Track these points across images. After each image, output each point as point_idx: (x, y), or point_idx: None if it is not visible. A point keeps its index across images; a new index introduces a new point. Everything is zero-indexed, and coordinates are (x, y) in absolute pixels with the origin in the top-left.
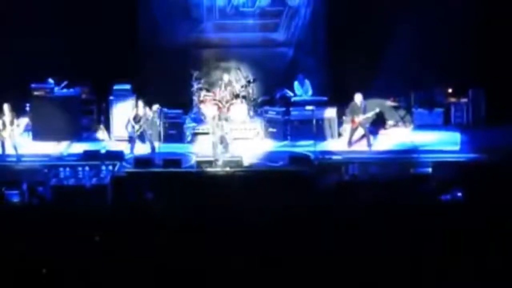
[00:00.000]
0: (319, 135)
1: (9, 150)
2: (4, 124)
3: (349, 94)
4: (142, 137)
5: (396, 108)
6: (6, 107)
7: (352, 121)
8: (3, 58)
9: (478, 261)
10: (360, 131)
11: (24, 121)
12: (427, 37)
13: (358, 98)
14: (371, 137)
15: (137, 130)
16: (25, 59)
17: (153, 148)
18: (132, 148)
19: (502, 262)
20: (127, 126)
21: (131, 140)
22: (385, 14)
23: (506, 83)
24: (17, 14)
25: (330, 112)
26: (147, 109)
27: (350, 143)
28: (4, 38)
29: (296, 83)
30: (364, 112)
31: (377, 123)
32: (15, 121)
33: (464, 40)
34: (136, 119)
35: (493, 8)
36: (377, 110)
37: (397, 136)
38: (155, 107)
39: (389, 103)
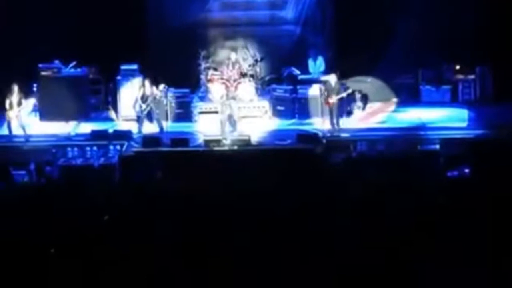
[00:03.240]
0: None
1: (16, 131)
2: (11, 105)
3: (357, 71)
4: (149, 117)
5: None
6: (14, 87)
7: (326, 101)
8: (10, 39)
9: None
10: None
11: (32, 101)
12: (434, 14)
13: (332, 78)
14: (340, 119)
15: (145, 110)
16: (33, 40)
17: (161, 128)
18: (140, 128)
19: (509, 239)
20: (134, 105)
21: (139, 119)
22: None
23: None
24: None
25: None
26: (154, 88)
27: (332, 124)
28: (12, 19)
29: (310, 60)
30: (339, 92)
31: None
32: (23, 102)
33: (471, 17)
34: (144, 98)
35: None
36: (350, 90)
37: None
38: (161, 86)
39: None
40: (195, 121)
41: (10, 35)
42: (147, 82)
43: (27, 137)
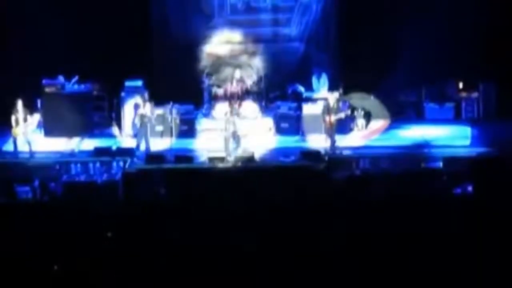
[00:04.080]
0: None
1: (21, 147)
2: (17, 121)
3: (360, 88)
4: (141, 134)
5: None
6: (19, 104)
7: (325, 120)
8: (15, 55)
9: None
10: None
11: (37, 117)
12: (438, 31)
13: (331, 97)
14: (342, 136)
15: (141, 127)
16: (37, 55)
17: (147, 147)
18: (138, 145)
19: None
20: (133, 123)
21: (136, 137)
22: (396, 9)
23: None
24: (30, 10)
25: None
26: (150, 107)
27: (332, 142)
28: (17, 35)
29: (314, 77)
30: (337, 112)
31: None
32: (29, 118)
33: (474, 34)
34: (141, 116)
35: (504, 2)
36: (349, 111)
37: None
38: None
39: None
40: (199, 138)
41: (14, 52)
42: (143, 100)
43: (32, 154)
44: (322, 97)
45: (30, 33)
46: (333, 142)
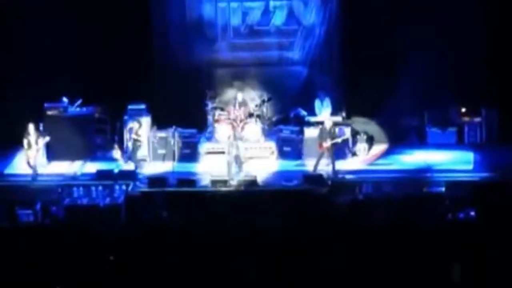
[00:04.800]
0: (341, 155)
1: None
2: (29, 144)
3: (363, 112)
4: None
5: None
6: (31, 127)
7: (320, 145)
8: (19, 79)
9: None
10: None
11: (46, 140)
12: (441, 56)
13: (327, 122)
14: (336, 162)
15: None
16: (41, 79)
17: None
18: (136, 168)
19: None
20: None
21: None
22: (399, 33)
23: None
24: (32, 32)
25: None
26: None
27: (315, 167)
28: (20, 58)
29: (316, 101)
30: (334, 137)
31: (347, 148)
32: (39, 141)
33: (477, 59)
34: (134, 141)
35: (507, 29)
36: (345, 136)
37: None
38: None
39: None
40: (201, 161)
41: (18, 75)
42: (136, 124)
43: (34, 177)
44: (319, 121)
45: (33, 56)
46: (333, 166)
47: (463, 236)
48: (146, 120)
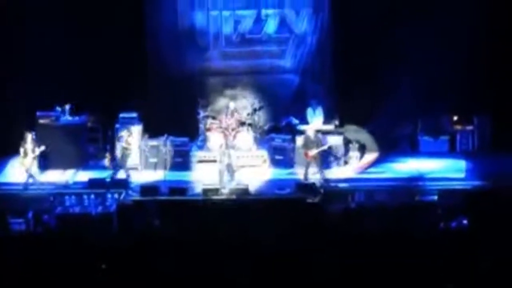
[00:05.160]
0: (325, 163)
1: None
2: (26, 153)
3: (356, 121)
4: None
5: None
6: (28, 136)
7: (305, 154)
8: (12, 89)
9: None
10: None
11: (41, 149)
12: (433, 65)
13: (311, 131)
14: (324, 171)
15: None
16: (33, 88)
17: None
18: (128, 176)
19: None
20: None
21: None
22: (391, 41)
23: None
24: (27, 40)
25: (336, 140)
26: (128, 136)
27: (305, 176)
28: (13, 67)
29: (309, 110)
30: (319, 145)
31: (333, 155)
32: (36, 149)
33: (469, 68)
34: (123, 149)
35: (499, 36)
36: (329, 144)
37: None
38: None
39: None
40: (193, 169)
41: (11, 85)
42: (125, 133)
43: (26, 185)
44: (303, 129)
45: (27, 65)
46: (321, 174)
47: (455, 244)
48: (137, 129)
